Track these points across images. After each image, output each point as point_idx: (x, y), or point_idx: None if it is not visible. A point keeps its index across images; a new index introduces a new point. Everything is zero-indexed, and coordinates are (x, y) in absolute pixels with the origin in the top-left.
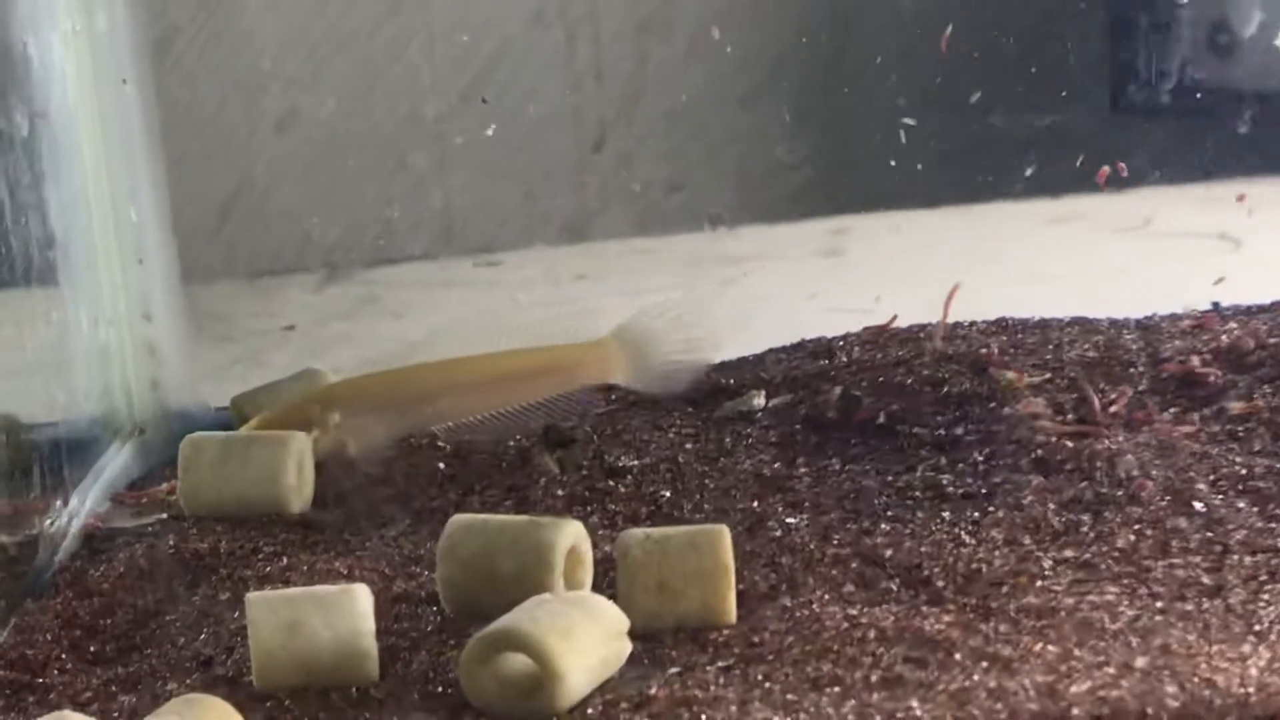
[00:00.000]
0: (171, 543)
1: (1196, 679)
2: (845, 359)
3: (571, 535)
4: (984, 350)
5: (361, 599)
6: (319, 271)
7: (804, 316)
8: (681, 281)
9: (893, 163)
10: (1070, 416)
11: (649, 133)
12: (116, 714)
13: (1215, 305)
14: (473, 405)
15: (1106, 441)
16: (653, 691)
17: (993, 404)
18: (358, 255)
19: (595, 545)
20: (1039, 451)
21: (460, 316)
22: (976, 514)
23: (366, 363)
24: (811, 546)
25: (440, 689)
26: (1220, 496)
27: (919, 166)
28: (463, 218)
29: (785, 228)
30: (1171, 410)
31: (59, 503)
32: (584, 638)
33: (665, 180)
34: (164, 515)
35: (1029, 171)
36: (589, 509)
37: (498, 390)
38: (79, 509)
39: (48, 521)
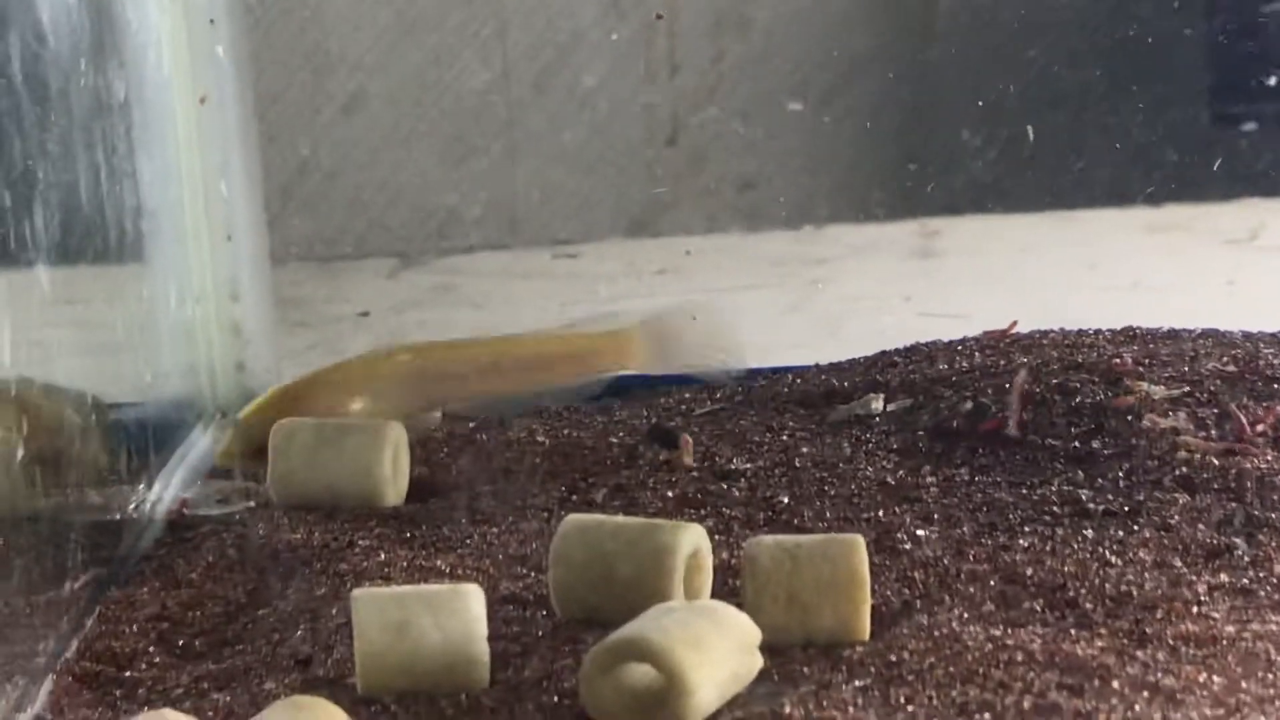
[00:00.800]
0: (262, 532)
1: None
2: (965, 364)
3: (692, 540)
4: (1116, 360)
5: (474, 600)
6: (389, 257)
7: (898, 319)
8: (763, 280)
9: (979, 165)
10: (1214, 433)
11: (723, 129)
12: (211, 713)
13: None
14: (496, 386)
15: (1256, 460)
16: (787, 710)
17: (1129, 416)
18: (427, 243)
19: (712, 551)
20: (1183, 469)
21: None
22: (1121, 533)
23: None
24: (945, 561)
25: (555, 698)
26: None
27: (1011, 169)
28: (532, 208)
29: (872, 228)
30: None
31: (143, 487)
32: (714, 650)
33: (737, 177)
34: (250, 503)
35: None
36: (702, 512)
37: (521, 373)
38: (164, 494)
39: (132, 506)
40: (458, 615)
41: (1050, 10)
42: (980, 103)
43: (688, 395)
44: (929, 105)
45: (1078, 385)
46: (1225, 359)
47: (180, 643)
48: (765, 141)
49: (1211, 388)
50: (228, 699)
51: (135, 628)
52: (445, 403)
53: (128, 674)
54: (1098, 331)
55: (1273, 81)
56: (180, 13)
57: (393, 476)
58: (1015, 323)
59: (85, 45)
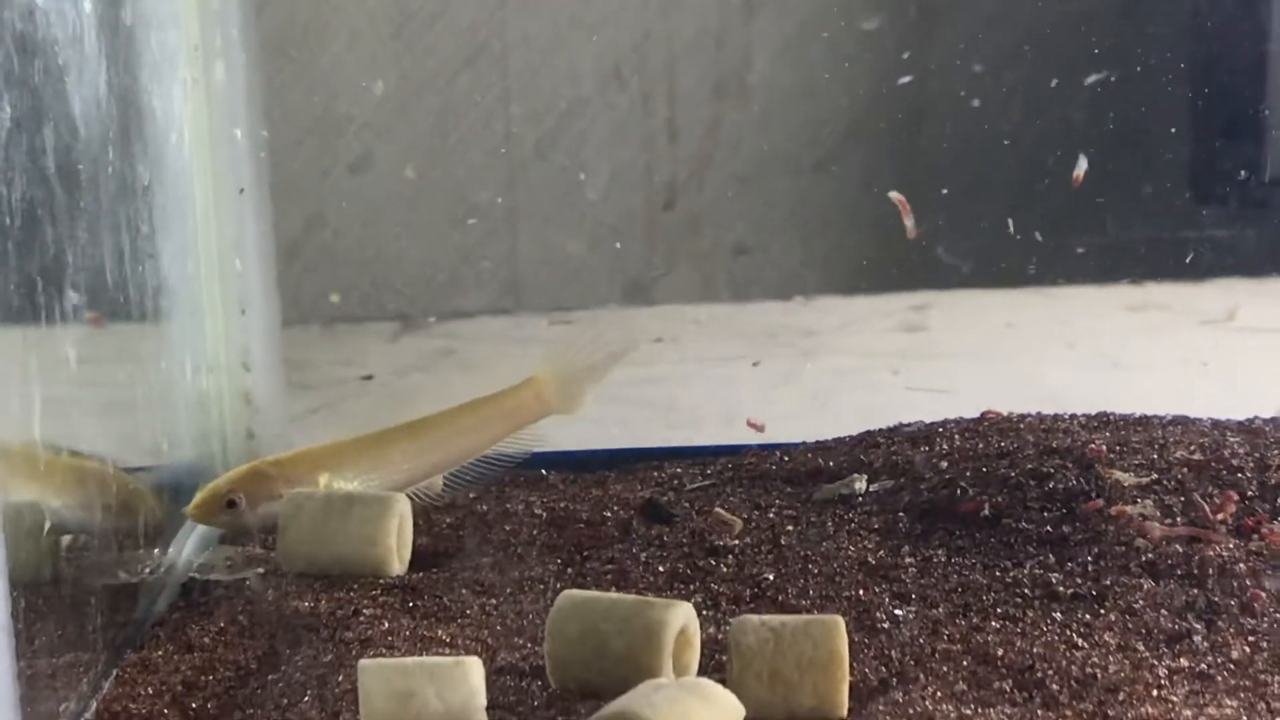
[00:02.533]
0: (271, 599)
1: None
2: (946, 446)
3: (682, 616)
4: (1090, 447)
5: (474, 672)
6: (391, 320)
7: (885, 394)
8: (755, 352)
9: (968, 240)
10: (1179, 520)
11: (719, 195)
12: None
13: None
14: (434, 463)
15: (1217, 548)
16: None
17: (1100, 501)
18: (429, 305)
19: (700, 626)
20: (1149, 555)
21: None
22: (1088, 616)
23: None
24: (921, 641)
25: None
26: None
27: (997, 246)
28: (533, 272)
29: (864, 300)
30: None
31: (158, 551)
32: None
33: (733, 243)
34: (260, 570)
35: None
36: (691, 588)
37: (455, 445)
38: (177, 558)
39: (147, 570)
40: (458, 686)
41: (1037, 95)
42: (969, 180)
43: (679, 470)
44: (919, 181)
45: (1051, 471)
46: (1193, 447)
47: (194, 706)
48: (760, 209)
49: (1179, 476)
50: None
51: (151, 690)
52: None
53: None
54: (1072, 416)
55: (1250, 166)
56: (201, 98)
57: (397, 547)
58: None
59: (113, 134)
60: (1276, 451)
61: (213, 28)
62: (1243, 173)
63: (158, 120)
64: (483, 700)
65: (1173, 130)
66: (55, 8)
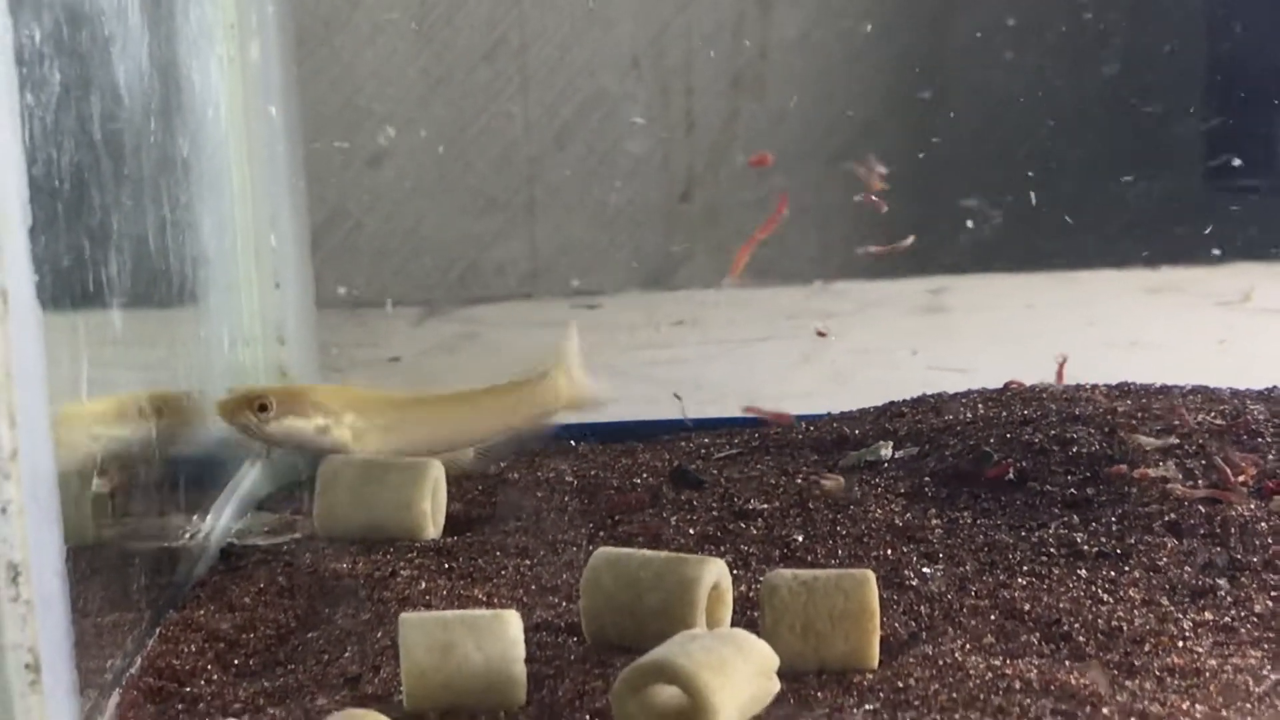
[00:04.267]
0: (309, 562)
1: None
2: (970, 415)
3: (715, 573)
4: (1111, 413)
5: (513, 625)
6: (414, 305)
7: (905, 372)
8: (775, 333)
9: (987, 225)
10: (1200, 482)
11: (736, 185)
12: None
13: None
14: (449, 438)
15: (1239, 508)
16: None
17: (1123, 465)
18: (450, 292)
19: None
20: (1171, 515)
21: None
22: (1113, 573)
23: None
24: (949, 597)
25: (587, 716)
26: None
27: (1015, 231)
28: (552, 259)
29: (884, 284)
30: None
31: (198, 517)
32: (736, 674)
33: (750, 232)
34: (297, 535)
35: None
36: (722, 549)
37: (473, 426)
38: (215, 524)
39: (187, 535)
40: (498, 638)
41: (1054, 81)
42: (987, 166)
43: (706, 440)
44: (938, 167)
45: (1075, 436)
46: (1213, 413)
47: (236, 662)
48: (778, 198)
49: (1199, 440)
50: (282, 714)
51: (194, 647)
52: (410, 449)
53: (188, 689)
54: (1094, 386)
55: (1264, 151)
56: (238, 75)
57: (432, 511)
58: (1065, 358)
59: (154, 106)
60: None
61: (249, 7)
62: (1258, 157)
63: (196, 94)
64: (521, 652)
65: (1189, 112)
66: None
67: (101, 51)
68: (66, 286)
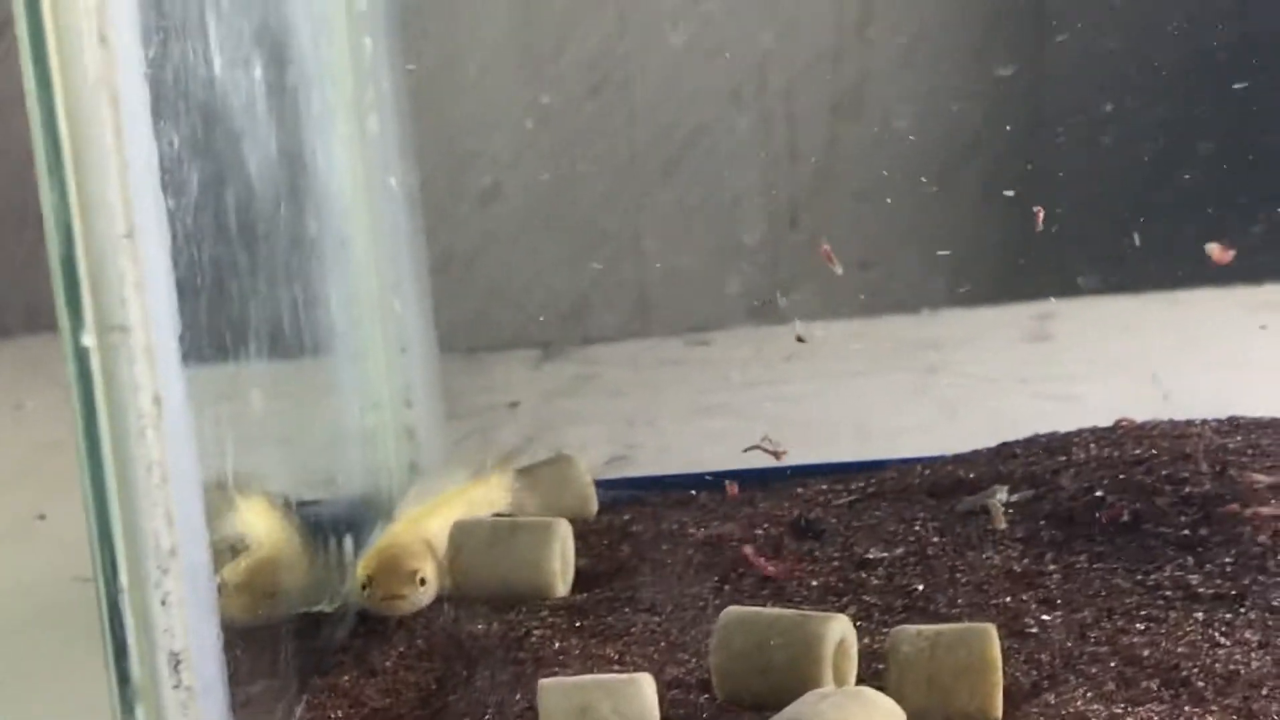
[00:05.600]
0: (443, 624)
1: None
2: (1083, 455)
3: (839, 629)
4: (1221, 450)
5: (648, 687)
6: (531, 347)
7: (1014, 402)
8: (883, 365)
9: (1090, 248)
10: None
11: (840, 211)
12: None
13: None
14: None
15: None
16: None
17: (1234, 504)
18: (563, 331)
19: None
20: None
21: None
22: (1229, 615)
23: None
24: (1069, 644)
25: None
26: None
27: (1120, 252)
28: (662, 294)
29: (989, 311)
30: None
31: (337, 582)
32: None
33: (856, 259)
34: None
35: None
36: (844, 600)
37: None
38: (353, 590)
39: (327, 601)
40: (633, 701)
41: (1155, 100)
42: (1089, 188)
43: (824, 487)
44: (1040, 189)
45: (1186, 476)
46: None
47: None
48: (882, 223)
49: None
50: None
51: (340, 714)
52: None
53: None
54: (1204, 422)
55: None
56: (358, 150)
57: (562, 570)
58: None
59: (283, 191)
60: None
61: (365, 82)
62: None
63: (320, 174)
64: (656, 715)
65: None
66: (230, 77)
67: (234, 147)
68: (210, 380)
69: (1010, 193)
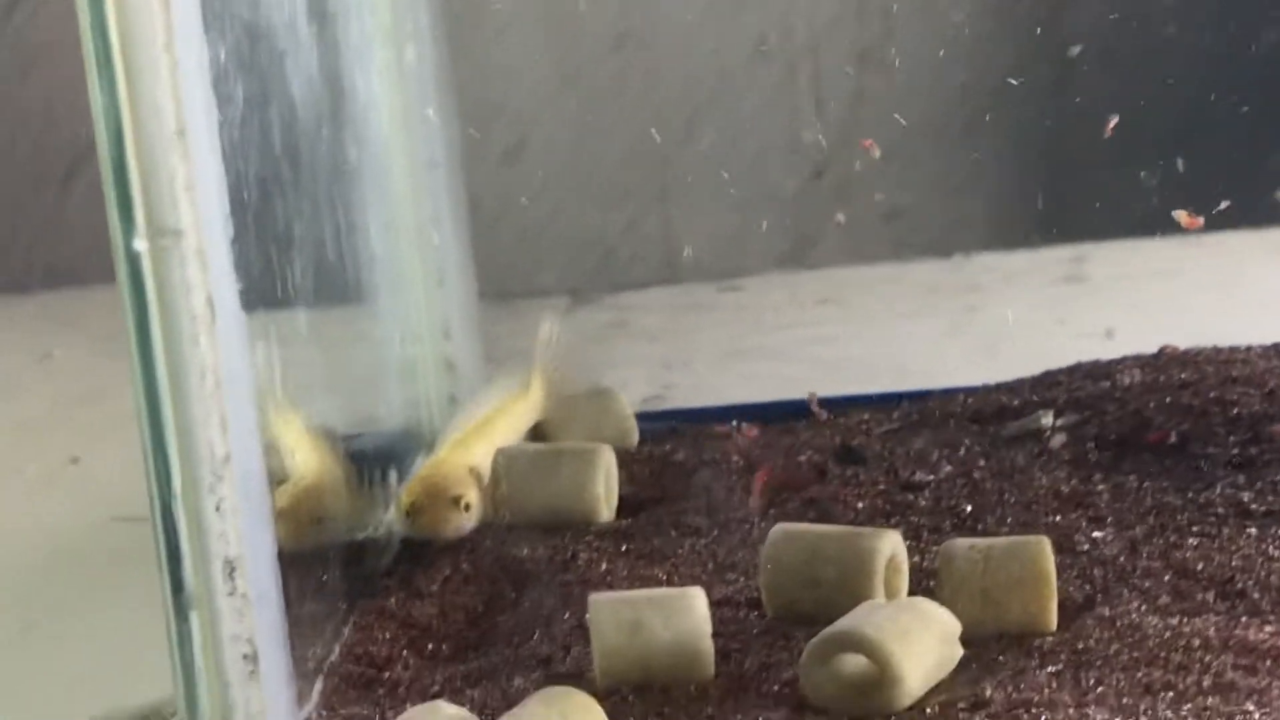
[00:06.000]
0: (490, 548)
1: None
2: (1127, 380)
3: (891, 544)
4: (1269, 373)
5: (699, 601)
6: (560, 295)
7: (1054, 342)
8: (918, 308)
9: (1124, 190)
10: None
11: (868, 162)
12: (467, 706)
13: None
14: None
15: None
16: (988, 694)
17: None
18: (591, 280)
19: None
20: None
21: None
22: None
23: None
24: (1121, 559)
25: (775, 687)
26: None
27: (1155, 194)
28: (688, 245)
29: (1023, 254)
30: None
31: (381, 510)
32: (920, 642)
33: (884, 208)
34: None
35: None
36: (892, 521)
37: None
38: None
39: (372, 527)
40: (684, 614)
41: (1192, 37)
42: (1121, 131)
43: (866, 416)
44: (1071, 133)
45: (1235, 398)
46: None
47: (429, 647)
48: (910, 172)
49: None
50: (480, 695)
51: (388, 635)
52: None
53: (386, 674)
54: (1249, 348)
55: None
56: (396, 80)
57: (605, 494)
58: None
59: (325, 115)
60: None
61: (404, 12)
62: None
63: (360, 101)
64: (708, 628)
65: None
66: None
67: (277, 65)
68: (259, 292)
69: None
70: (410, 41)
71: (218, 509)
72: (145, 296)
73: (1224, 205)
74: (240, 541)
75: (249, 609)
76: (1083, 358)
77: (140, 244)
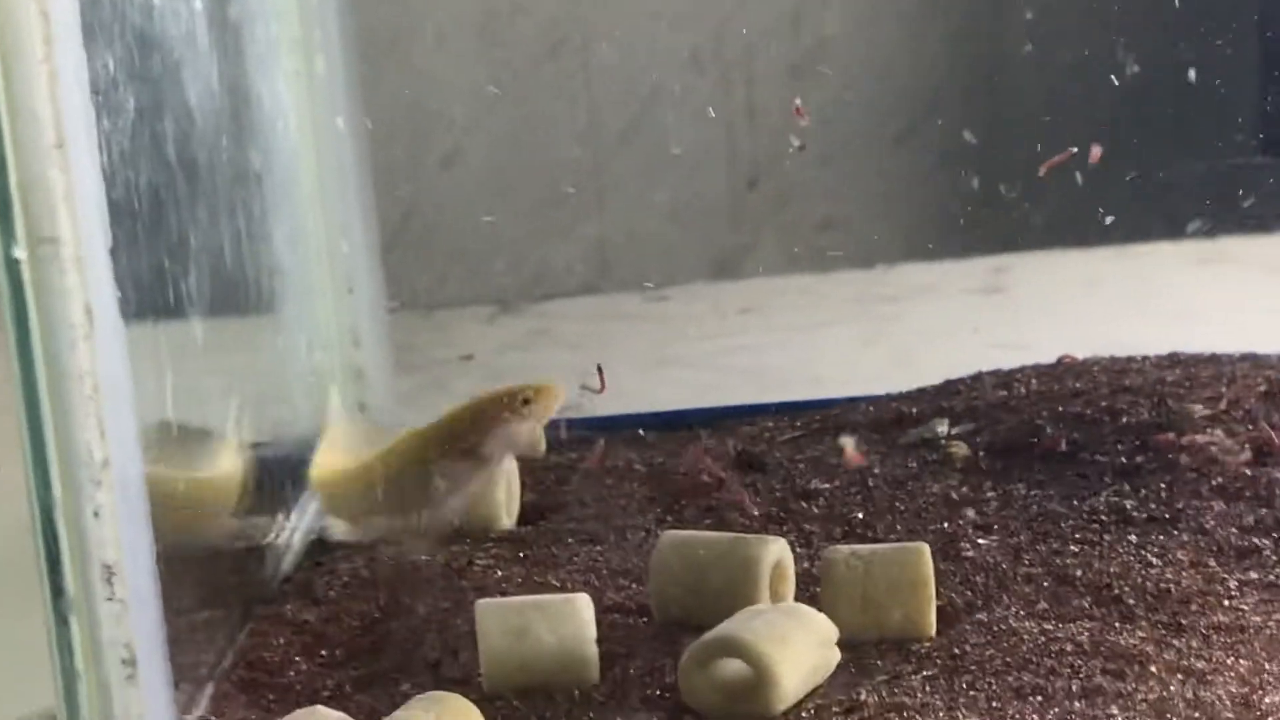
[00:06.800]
0: (389, 555)
1: None
2: (1024, 390)
3: (776, 552)
4: (1160, 383)
5: (584, 607)
6: (488, 304)
7: (967, 352)
8: (839, 318)
9: (1043, 203)
10: (1247, 447)
11: (801, 171)
12: (355, 710)
13: None
14: None
15: None
16: (862, 697)
17: (1171, 433)
18: (523, 289)
19: (794, 561)
20: (1219, 479)
21: None
22: (1162, 537)
23: None
24: (1004, 566)
25: (657, 691)
26: None
27: (1072, 207)
28: (621, 253)
29: (945, 265)
30: None
31: (283, 516)
32: (797, 645)
33: (818, 218)
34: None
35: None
36: (784, 529)
37: None
38: (299, 523)
39: (273, 534)
40: (570, 621)
41: (1106, 55)
42: (1043, 144)
43: (770, 424)
44: (995, 148)
45: (1125, 407)
46: (1260, 380)
47: (323, 652)
48: (841, 183)
49: (1246, 406)
50: (369, 700)
51: (283, 640)
52: None
53: (278, 680)
54: (1144, 358)
55: None
56: (304, 89)
57: (507, 502)
58: None
59: (226, 123)
60: None
61: (312, 22)
62: None
63: (265, 109)
64: (592, 632)
65: (1242, 86)
66: (169, 6)
67: (173, 75)
68: (148, 301)
69: (972, 139)
70: (320, 51)
71: (96, 514)
72: (25, 303)
73: (1139, 219)
74: (119, 546)
75: (127, 614)
76: (992, 367)
77: (19, 252)
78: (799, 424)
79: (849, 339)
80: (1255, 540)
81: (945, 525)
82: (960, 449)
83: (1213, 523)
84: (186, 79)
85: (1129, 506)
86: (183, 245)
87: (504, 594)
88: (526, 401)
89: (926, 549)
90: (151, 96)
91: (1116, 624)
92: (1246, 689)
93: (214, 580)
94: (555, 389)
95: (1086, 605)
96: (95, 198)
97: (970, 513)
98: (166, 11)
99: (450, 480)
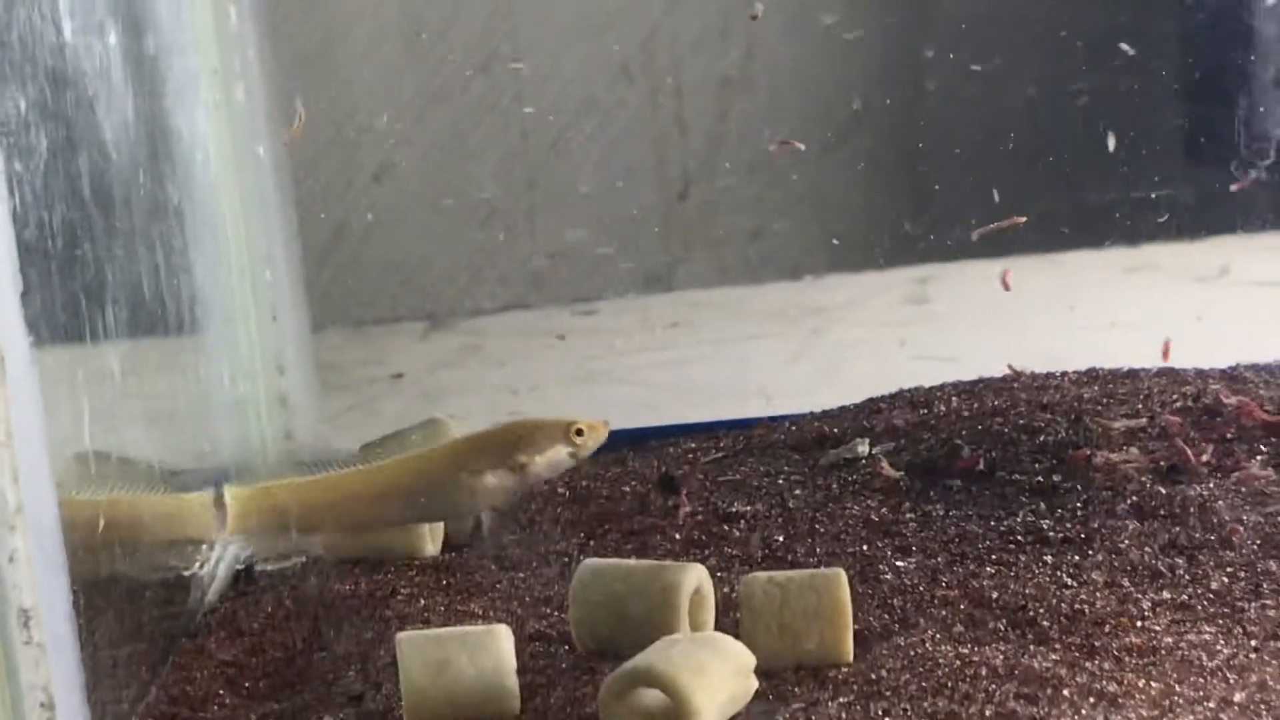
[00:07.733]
0: (313, 584)
1: None
2: (944, 408)
3: (695, 578)
4: (1078, 400)
5: (504, 638)
6: (419, 320)
7: (893, 364)
8: (767, 330)
9: (968, 214)
10: (1163, 464)
11: (731, 183)
12: None
13: None
14: None
15: (1198, 488)
16: None
17: (1085, 450)
18: (455, 303)
19: (714, 587)
20: (1134, 498)
21: None
22: (1077, 558)
23: None
24: (921, 588)
25: None
26: None
27: (997, 217)
28: (552, 267)
29: (869, 276)
30: (1259, 457)
31: (206, 547)
32: (714, 675)
33: (748, 229)
34: (303, 558)
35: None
36: (706, 552)
37: None
38: (224, 554)
39: (197, 565)
40: (490, 652)
41: (1030, 66)
42: (967, 155)
43: (693, 445)
44: (921, 160)
45: (1042, 425)
46: (1176, 396)
47: (246, 685)
48: (770, 193)
49: (1162, 423)
50: None
51: (206, 673)
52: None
53: (201, 715)
54: (1063, 374)
55: (1242, 124)
56: (224, 119)
57: (430, 530)
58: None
59: (143, 158)
60: (1257, 395)
61: (231, 51)
62: (1235, 131)
63: (184, 142)
64: (513, 664)
65: (1172, 90)
66: (82, 43)
67: (86, 113)
68: (64, 341)
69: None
70: (239, 80)
71: (11, 559)
72: None
73: (1066, 227)
74: (35, 591)
75: (45, 657)
76: (920, 380)
77: None
78: (722, 445)
79: (776, 352)
80: (1168, 560)
81: (865, 548)
82: (890, 470)
83: (1126, 542)
84: (101, 116)
85: (1045, 526)
86: (99, 282)
87: (427, 624)
88: (580, 433)
89: (843, 575)
90: (66, 135)
91: (1031, 646)
92: (1157, 712)
93: (135, 615)
94: (604, 429)
95: (1002, 628)
96: (4, 244)
97: (889, 535)
98: (80, 49)
99: (487, 492)
